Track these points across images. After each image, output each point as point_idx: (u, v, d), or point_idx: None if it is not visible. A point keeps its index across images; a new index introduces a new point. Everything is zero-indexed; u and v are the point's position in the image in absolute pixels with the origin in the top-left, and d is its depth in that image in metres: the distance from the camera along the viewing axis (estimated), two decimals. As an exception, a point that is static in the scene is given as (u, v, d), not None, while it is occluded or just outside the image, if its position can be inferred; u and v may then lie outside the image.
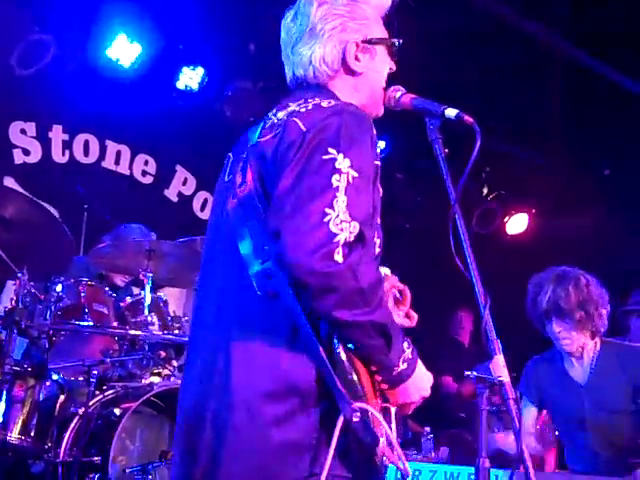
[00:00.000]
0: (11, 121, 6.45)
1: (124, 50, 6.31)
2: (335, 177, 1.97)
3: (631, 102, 7.17)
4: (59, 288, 4.35)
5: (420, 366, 2.16)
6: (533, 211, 8.48)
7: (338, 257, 1.91)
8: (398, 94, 2.42)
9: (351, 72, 2.31)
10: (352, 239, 1.94)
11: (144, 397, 4.17)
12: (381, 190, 2.20)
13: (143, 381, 4.51)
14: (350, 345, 2.00)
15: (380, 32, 2.37)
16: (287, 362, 2.01)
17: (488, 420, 7.31)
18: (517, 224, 8.50)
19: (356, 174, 2.00)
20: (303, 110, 2.14)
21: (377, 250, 2.18)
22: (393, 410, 2.14)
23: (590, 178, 8.32)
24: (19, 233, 4.28)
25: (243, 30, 6.76)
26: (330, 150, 2.00)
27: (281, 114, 2.18)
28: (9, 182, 6.21)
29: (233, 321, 2.10)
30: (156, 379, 4.54)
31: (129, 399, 4.29)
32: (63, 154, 6.67)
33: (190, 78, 6.74)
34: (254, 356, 2.04)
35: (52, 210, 6.21)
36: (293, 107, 2.17)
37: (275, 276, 1.99)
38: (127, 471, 4.10)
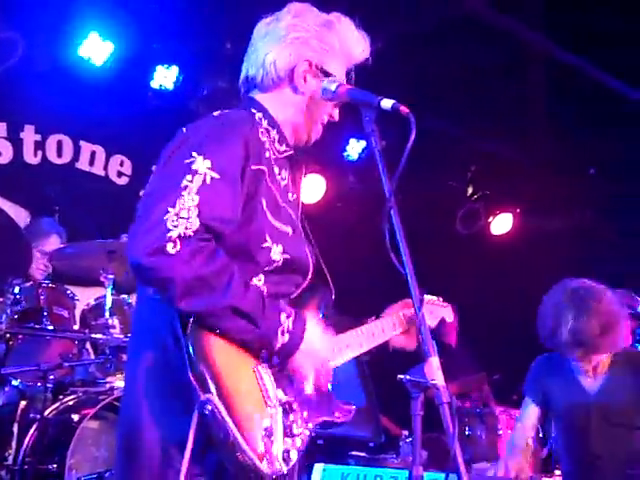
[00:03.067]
0: (-20, 121, 6.36)
1: (96, 49, 6.20)
2: (187, 177, 2.04)
3: (616, 100, 7.09)
4: (17, 290, 4.26)
5: (311, 333, 2.17)
6: (518, 211, 8.38)
7: (171, 250, 1.97)
8: (334, 85, 2.35)
9: (293, 88, 2.35)
10: (189, 234, 1.99)
11: (102, 403, 4.08)
12: (279, 198, 2.25)
13: (107, 385, 4.41)
14: (216, 331, 2.04)
15: (338, 70, 2.38)
16: (171, 362, 2.06)
17: (470, 422, 7.22)
18: (502, 224, 8.41)
19: (217, 176, 2.07)
20: (200, 119, 2.23)
21: (279, 256, 2.21)
22: (279, 413, 2.12)
23: (575, 178, 8.24)
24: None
25: (219, 28, 6.67)
26: (193, 154, 2.08)
27: None
28: (-21, 183, 6.11)
29: (136, 324, 2.27)
30: (119, 383, 4.43)
31: (90, 404, 4.20)
32: (35, 155, 6.57)
33: (164, 77, 6.63)
34: (145, 358, 2.13)
35: (23, 212, 6.13)
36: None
37: None
38: (82, 479, 3.99)
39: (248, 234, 2.16)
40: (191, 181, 2.03)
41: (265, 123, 2.32)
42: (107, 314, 4.47)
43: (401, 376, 2.12)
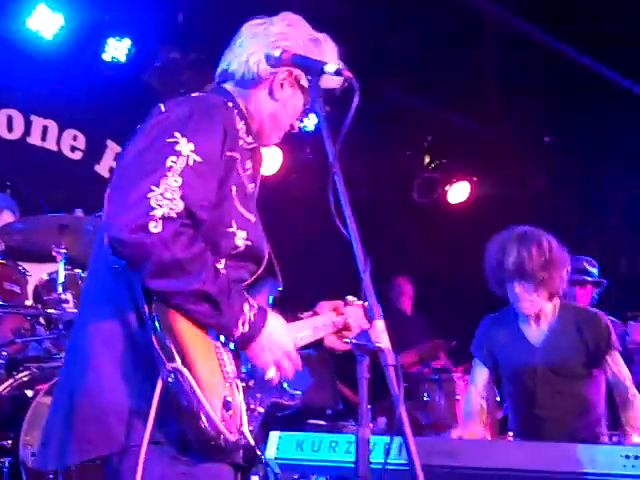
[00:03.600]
0: None
1: (45, 21, 6.09)
2: (171, 158, 2.07)
3: (569, 68, 7.13)
4: (-34, 267, 4.20)
5: (272, 326, 2.21)
6: (474, 179, 8.42)
7: (153, 229, 1.99)
8: (278, 51, 2.34)
9: (270, 92, 2.41)
10: (173, 215, 2.02)
11: (57, 378, 4.04)
12: (249, 184, 2.33)
13: (61, 361, 4.37)
14: (181, 311, 2.07)
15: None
16: (132, 331, 2.11)
17: (429, 388, 7.31)
18: (458, 193, 8.45)
19: (199, 159, 2.10)
20: (178, 97, 2.26)
21: (242, 243, 2.25)
22: (240, 387, 2.17)
23: (530, 146, 8.30)
24: None
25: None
26: (175, 134, 2.11)
27: None
28: None
29: (90, 295, 2.26)
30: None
31: (44, 380, 4.17)
32: (-15, 131, 6.47)
33: (116, 49, 6.54)
34: (106, 325, 2.14)
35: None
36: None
37: None
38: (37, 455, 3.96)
39: (216, 217, 2.19)
40: (175, 162, 2.06)
41: (235, 113, 2.36)
42: (60, 289, 4.42)
43: (347, 339, 2.13)
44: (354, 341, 2.12)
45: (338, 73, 2.26)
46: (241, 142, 2.33)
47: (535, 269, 3.77)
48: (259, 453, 2.41)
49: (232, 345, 2.19)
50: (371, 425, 5.43)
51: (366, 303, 2.13)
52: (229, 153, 2.21)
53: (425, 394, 6.81)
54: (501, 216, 8.42)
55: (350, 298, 2.61)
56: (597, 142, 8.10)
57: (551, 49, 6.90)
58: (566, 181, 8.86)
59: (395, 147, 8.23)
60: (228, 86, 2.44)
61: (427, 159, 8.35)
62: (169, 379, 2.00)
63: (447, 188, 8.40)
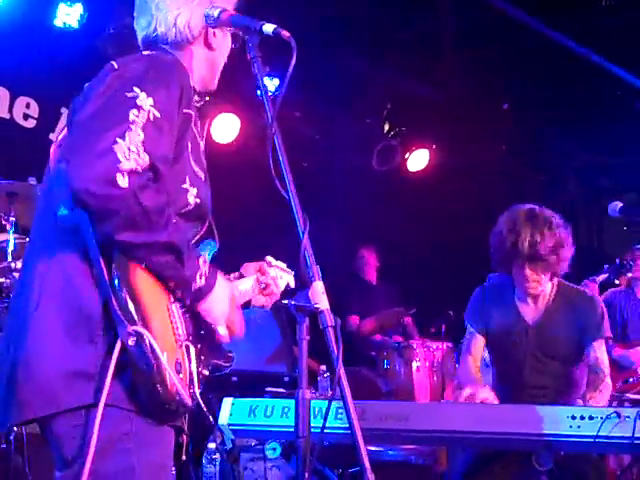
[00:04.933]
0: None
1: (-7, -14, 5.96)
2: (134, 112, 2.08)
3: (527, 34, 7.12)
4: None
5: (221, 281, 2.28)
6: (434, 147, 8.43)
7: (121, 182, 2.00)
8: (216, 11, 2.38)
9: (207, 45, 2.45)
10: (139, 169, 2.04)
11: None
12: (200, 142, 2.36)
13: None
14: (143, 264, 2.10)
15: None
16: (80, 292, 2.11)
17: (389, 356, 7.32)
18: (418, 160, 8.45)
19: (158, 114, 2.12)
20: (127, 56, 2.27)
21: (193, 200, 2.27)
22: (192, 349, 2.20)
23: (489, 113, 8.31)
24: None
25: (123, -37, 6.47)
26: (135, 88, 2.12)
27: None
28: None
29: (34, 255, 2.23)
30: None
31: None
32: None
33: (67, 15, 6.40)
34: (50, 287, 2.14)
35: None
36: (122, 58, 2.28)
37: (72, 210, 2.09)
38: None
39: (173, 173, 2.20)
40: (137, 116, 2.07)
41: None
42: (10, 257, 4.36)
43: (285, 301, 2.12)
44: (293, 302, 2.11)
45: (276, 33, 2.26)
46: (194, 100, 2.36)
47: (548, 252, 3.75)
48: (211, 418, 2.48)
49: (187, 301, 2.22)
50: (330, 392, 5.46)
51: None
52: (185, 110, 2.23)
53: (385, 362, 6.86)
54: (460, 183, 8.50)
55: (269, 259, 2.67)
56: (554, 108, 8.13)
57: (507, 14, 6.87)
58: (526, 148, 8.91)
59: (354, 115, 8.19)
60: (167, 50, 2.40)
61: (387, 127, 8.31)
62: (129, 341, 2.02)
63: (407, 156, 8.38)
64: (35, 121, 6.95)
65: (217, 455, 4.37)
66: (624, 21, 6.90)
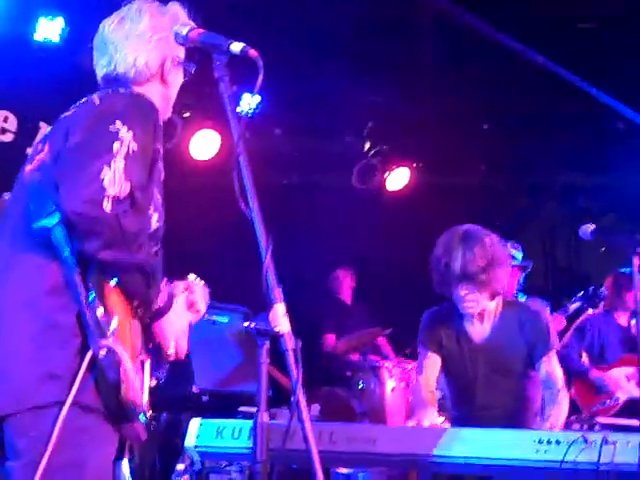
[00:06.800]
0: None
1: (-28, -1, 5.93)
2: (116, 144, 2.31)
3: (508, 55, 7.16)
4: None
5: (177, 306, 2.53)
6: (414, 166, 8.43)
7: (106, 207, 2.23)
8: (185, 29, 2.47)
9: (163, 81, 2.69)
10: (122, 196, 2.27)
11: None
12: (162, 174, 2.56)
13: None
14: (115, 281, 2.32)
15: (182, 52, 2.74)
16: (51, 302, 2.30)
17: (363, 376, 7.29)
18: (398, 179, 8.44)
19: (136, 147, 2.34)
20: (104, 93, 2.52)
21: (155, 225, 2.51)
22: (147, 363, 2.47)
23: (469, 133, 8.33)
24: None
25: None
26: (117, 122, 2.35)
27: (85, 99, 2.53)
28: None
29: (7, 264, 2.40)
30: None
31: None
32: None
33: (48, 29, 6.38)
34: (21, 294, 2.33)
35: None
36: (98, 93, 2.53)
37: (54, 227, 2.30)
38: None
39: (146, 202, 2.43)
40: (120, 147, 2.30)
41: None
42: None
43: (246, 324, 2.11)
44: (254, 325, 2.10)
45: (244, 52, 2.34)
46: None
47: (477, 270, 3.78)
48: (151, 428, 2.63)
49: (146, 319, 2.45)
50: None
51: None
52: (157, 145, 2.46)
53: (360, 381, 6.83)
54: (440, 203, 8.50)
55: (191, 277, 2.76)
56: (534, 129, 8.16)
57: (488, 36, 6.92)
58: (504, 168, 8.93)
59: (335, 132, 8.20)
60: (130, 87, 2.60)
61: (367, 145, 8.31)
62: (100, 353, 2.23)
63: (386, 175, 8.38)
64: (13, 135, 6.90)
65: (186, 476, 4.33)
66: (602, 44, 6.95)
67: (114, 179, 2.24)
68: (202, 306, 2.73)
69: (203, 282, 2.78)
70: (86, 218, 2.22)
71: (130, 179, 2.28)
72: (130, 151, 2.31)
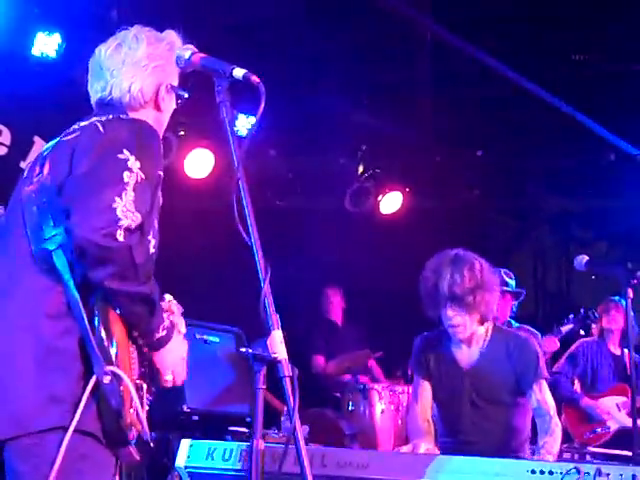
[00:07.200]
0: None
1: (-30, 13, 5.93)
2: (126, 174, 2.33)
3: (502, 83, 7.22)
4: None
5: (177, 336, 2.54)
6: (407, 190, 8.44)
7: (119, 237, 2.26)
8: (188, 53, 2.51)
9: (157, 107, 2.70)
10: (133, 227, 2.30)
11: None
12: (161, 199, 2.58)
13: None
14: (118, 310, 2.34)
15: (177, 79, 2.76)
16: (53, 326, 2.32)
17: (354, 398, 7.27)
18: (391, 203, 8.44)
19: (144, 176, 2.37)
20: (104, 119, 2.51)
21: (152, 250, 2.51)
22: (145, 386, 2.44)
23: (463, 158, 8.37)
24: None
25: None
26: (125, 151, 2.37)
27: (84, 123, 2.54)
28: None
29: (8, 291, 2.41)
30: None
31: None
32: None
33: (45, 44, 6.38)
34: (20, 319, 2.34)
35: None
36: (96, 118, 2.54)
37: (55, 251, 2.34)
38: None
39: (149, 228, 2.45)
40: (130, 177, 2.33)
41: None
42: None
43: (243, 349, 2.11)
44: (251, 351, 2.10)
45: (246, 78, 2.36)
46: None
47: (465, 292, 3.78)
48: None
49: (145, 348, 2.46)
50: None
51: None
52: (160, 172, 2.49)
53: (350, 403, 6.80)
54: (433, 227, 8.51)
55: (167, 297, 2.75)
56: (528, 155, 8.21)
57: (481, 63, 6.97)
58: (497, 194, 8.97)
59: (329, 155, 8.22)
60: (124, 112, 2.62)
61: (361, 168, 8.32)
62: (105, 379, 2.25)
63: (380, 198, 8.38)
64: (7, 149, 6.88)
65: (174, 497, 4.29)
66: (594, 74, 7.02)
67: (127, 209, 2.27)
68: (182, 327, 2.72)
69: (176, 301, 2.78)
70: (99, 247, 2.24)
71: (140, 209, 2.32)
72: (139, 181, 2.34)
